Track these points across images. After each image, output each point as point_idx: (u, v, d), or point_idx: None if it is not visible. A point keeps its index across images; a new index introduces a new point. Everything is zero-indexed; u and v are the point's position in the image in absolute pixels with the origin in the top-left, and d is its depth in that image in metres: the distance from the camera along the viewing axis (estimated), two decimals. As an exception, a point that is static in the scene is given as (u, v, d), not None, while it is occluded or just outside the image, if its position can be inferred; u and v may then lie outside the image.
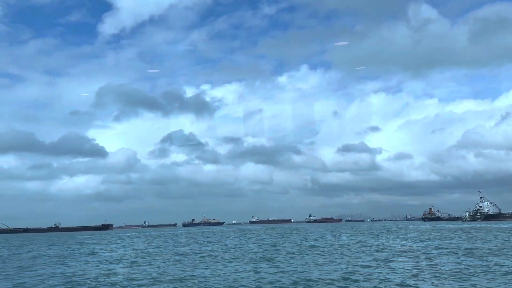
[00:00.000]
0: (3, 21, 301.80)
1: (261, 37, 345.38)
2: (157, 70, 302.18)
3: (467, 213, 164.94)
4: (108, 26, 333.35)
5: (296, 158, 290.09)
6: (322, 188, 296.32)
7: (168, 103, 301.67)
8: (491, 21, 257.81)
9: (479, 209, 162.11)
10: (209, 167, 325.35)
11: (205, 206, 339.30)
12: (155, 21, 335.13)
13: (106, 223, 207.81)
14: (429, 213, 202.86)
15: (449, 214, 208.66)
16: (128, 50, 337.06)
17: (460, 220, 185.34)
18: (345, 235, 62.49)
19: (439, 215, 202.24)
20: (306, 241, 47.36)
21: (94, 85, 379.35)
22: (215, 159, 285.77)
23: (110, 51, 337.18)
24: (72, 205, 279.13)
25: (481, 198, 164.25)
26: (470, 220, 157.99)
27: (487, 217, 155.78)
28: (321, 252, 31.89)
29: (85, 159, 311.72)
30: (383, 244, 38.69)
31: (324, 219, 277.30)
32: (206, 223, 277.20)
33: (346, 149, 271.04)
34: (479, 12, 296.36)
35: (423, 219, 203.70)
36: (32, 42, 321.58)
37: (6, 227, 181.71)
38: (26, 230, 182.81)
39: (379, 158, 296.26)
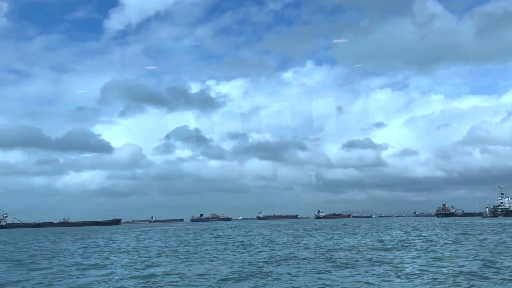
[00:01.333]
0: (10, 18, 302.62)
1: (266, 32, 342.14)
2: (154, 67, 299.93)
3: (487, 209, 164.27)
4: (114, 22, 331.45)
5: (301, 154, 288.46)
6: (326, 184, 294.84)
7: (173, 99, 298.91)
8: (498, 16, 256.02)
9: (500, 205, 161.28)
10: (213, 163, 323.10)
11: (209, 202, 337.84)
12: (160, 17, 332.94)
13: (117, 218, 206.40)
14: (443, 209, 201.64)
15: (462, 210, 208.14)
16: (134, 46, 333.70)
17: (476, 216, 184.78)
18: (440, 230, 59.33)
19: (453, 211, 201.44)
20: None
21: (100, 81, 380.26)
22: (219, 155, 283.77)
23: (116, 47, 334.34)
24: (78, 200, 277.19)
25: (502, 194, 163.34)
26: (491, 216, 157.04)
27: (508, 213, 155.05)
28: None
29: (91, 155, 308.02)
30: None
31: (333, 215, 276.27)
32: (215, 218, 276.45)
33: (351, 145, 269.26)
34: (485, 8, 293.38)
35: (437, 215, 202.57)
36: (38, 38, 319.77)
37: (19, 222, 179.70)
38: (38, 225, 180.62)
39: (384, 154, 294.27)
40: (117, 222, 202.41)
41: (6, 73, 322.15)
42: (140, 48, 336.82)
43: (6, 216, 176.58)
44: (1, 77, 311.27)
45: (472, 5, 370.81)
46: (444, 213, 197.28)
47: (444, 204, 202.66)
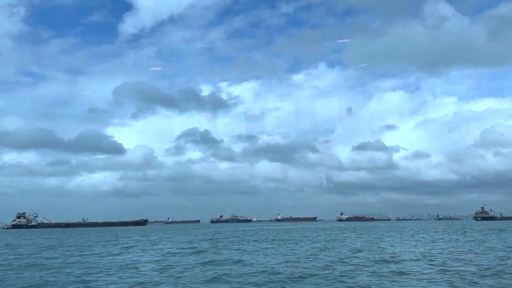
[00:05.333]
0: (26, 22, 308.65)
1: (278, 35, 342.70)
2: (159, 68, 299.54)
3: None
4: (128, 26, 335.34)
5: (312, 156, 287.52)
6: (337, 186, 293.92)
7: (184, 101, 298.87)
8: (510, 18, 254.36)
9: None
10: (224, 165, 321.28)
11: (220, 203, 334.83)
12: (174, 20, 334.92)
13: (144, 218, 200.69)
14: (481, 212, 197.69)
15: (501, 214, 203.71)
16: (147, 48, 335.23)
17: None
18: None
19: (492, 214, 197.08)
20: None
21: (113, 83, 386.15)
22: (230, 157, 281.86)
23: (129, 50, 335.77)
24: (90, 200, 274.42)
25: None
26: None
27: None
28: None
29: (103, 156, 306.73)
30: None
31: (356, 217, 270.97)
32: (234, 220, 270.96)
33: (362, 147, 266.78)
34: (497, 10, 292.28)
35: (475, 218, 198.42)
36: (54, 42, 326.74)
37: (49, 222, 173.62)
38: (67, 225, 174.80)
39: (396, 157, 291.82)
40: (144, 222, 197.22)
41: (22, 76, 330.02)
42: (153, 51, 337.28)
43: (36, 216, 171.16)
44: (17, 80, 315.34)
45: (484, 7, 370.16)
46: (483, 216, 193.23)
47: (483, 207, 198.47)
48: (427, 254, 28.75)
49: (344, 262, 24.78)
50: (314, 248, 35.89)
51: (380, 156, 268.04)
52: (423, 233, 62.90)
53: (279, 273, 20.58)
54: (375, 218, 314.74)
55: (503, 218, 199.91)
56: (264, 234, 66.87)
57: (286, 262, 25.14)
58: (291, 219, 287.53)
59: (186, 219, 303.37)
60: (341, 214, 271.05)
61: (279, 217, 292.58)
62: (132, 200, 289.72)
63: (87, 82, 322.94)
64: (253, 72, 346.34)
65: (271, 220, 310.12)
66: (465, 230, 72.39)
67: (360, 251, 31.87)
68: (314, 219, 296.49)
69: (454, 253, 29.40)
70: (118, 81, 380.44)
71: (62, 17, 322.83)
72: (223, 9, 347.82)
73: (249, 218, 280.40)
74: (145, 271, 22.07)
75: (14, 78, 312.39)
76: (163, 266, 23.88)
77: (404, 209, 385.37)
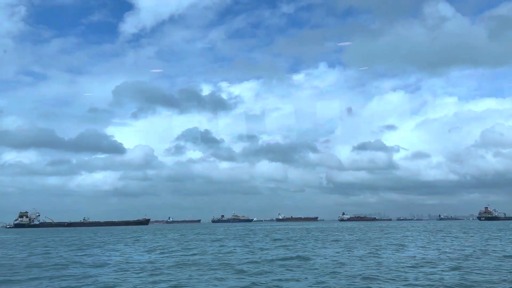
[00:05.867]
0: (27, 22, 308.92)
1: (278, 35, 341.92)
2: (160, 70, 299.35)
3: None
4: (129, 26, 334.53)
5: (312, 156, 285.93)
6: (337, 186, 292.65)
7: (185, 101, 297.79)
8: (510, 19, 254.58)
9: None
10: (224, 165, 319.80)
11: (220, 203, 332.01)
12: (174, 20, 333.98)
13: (146, 218, 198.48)
14: (485, 212, 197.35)
15: (504, 214, 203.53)
16: (148, 48, 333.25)
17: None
18: None
19: (496, 214, 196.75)
20: None
21: (114, 83, 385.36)
22: (230, 157, 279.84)
23: (130, 49, 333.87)
24: (90, 200, 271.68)
25: None
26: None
27: None
28: None
29: (104, 156, 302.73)
30: None
31: (358, 217, 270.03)
32: (236, 220, 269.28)
33: (362, 147, 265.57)
34: (497, 10, 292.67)
35: (479, 218, 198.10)
36: (54, 41, 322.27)
37: (51, 221, 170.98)
38: (70, 224, 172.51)
39: (396, 157, 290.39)
40: (146, 222, 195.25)
41: (23, 76, 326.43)
42: (154, 50, 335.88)
43: (39, 215, 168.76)
44: (18, 80, 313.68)
45: (484, 7, 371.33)
46: (487, 216, 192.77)
47: (487, 207, 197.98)
48: (495, 252, 27.29)
49: (416, 259, 23.22)
50: (362, 247, 34.34)
51: (380, 156, 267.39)
52: (444, 233, 61.21)
53: (375, 278, 18.45)
54: (376, 218, 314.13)
55: (506, 218, 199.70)
56: (287, 233, 65.24)
57: (362, 262, 23.51)
58: (292, 219, 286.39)
59: (186, 219, 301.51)
60: (343, 214, 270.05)
61: (280, 217, 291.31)
62: (132, 200, 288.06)
63: (87, 82, 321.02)
64: (254, 72, 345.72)
65: (272, 220, 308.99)
66: (486, 230, 71.19)
67: (415, 252, 30.34)
68: (315, 219, 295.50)
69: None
70: (118, 80, 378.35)
71: (62, 17, 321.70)
72: (224, 9, 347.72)
73: (250, 218, 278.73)
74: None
75: (15, 78, 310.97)
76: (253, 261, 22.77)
77: (404, 209, 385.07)
